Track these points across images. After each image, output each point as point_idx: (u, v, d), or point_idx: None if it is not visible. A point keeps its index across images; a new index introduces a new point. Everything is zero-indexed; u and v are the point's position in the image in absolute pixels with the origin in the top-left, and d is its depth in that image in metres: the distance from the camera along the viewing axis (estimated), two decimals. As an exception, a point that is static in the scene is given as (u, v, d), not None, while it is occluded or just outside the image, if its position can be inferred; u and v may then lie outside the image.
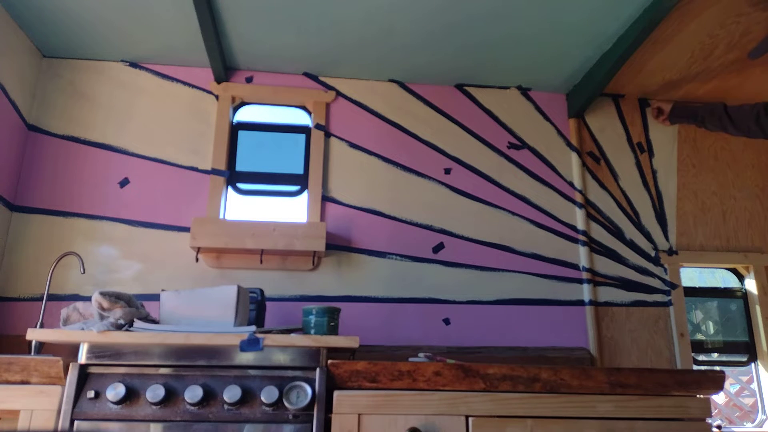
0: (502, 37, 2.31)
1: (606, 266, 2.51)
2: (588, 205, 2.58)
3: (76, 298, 2.21)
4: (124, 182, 2.38)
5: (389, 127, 2.58)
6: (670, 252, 2.54)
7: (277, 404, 1.51)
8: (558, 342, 2.38)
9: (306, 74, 2.60)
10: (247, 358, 1.59)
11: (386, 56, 2.45)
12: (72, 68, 2.48)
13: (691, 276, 2.63)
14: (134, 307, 1.68)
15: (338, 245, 2.40)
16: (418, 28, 2.26)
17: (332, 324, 1.76)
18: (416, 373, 1.57)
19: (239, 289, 1.70)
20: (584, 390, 1.60)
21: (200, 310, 1.68)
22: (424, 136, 2.58)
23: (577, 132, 2.65)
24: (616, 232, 2.56)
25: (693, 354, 2.45)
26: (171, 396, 1.51)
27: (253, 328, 1.60)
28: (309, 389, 1.51)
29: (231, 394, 1.50)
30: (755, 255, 2.57)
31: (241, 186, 2.48)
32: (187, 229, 2.34)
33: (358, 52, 2.42)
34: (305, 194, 2.48)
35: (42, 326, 2.01)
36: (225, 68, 2.50)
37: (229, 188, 2.48)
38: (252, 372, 1.57)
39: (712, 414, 2.17)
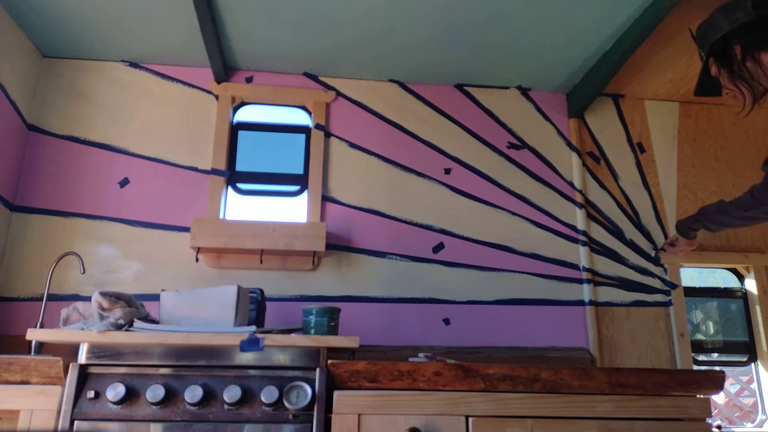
0: (502, 37, 2.31)
1: (606, 266, 2.51)
2: (588, 205, 2.58)
3: (76, 298, 2.21)
4: (124, 182, 2.37)
5: (389, 127, 2.57)
6: (670, 252, 2.54)
7: (277, 404, 1.51)
8: (558, 342, 2.38)
9: (306, 74, 2.60)
10: (247, 358, 1.58)
11: (386, 56, 2.45)
12: (72, 68, 2.48)
13: (691, 276, 2.63)
14: (134, 307, 1.68)
15: (338, 245, 2.39)
16: (418, 28, 2.26)
17: (332, 324, 1.76)
18: (416, 373, 1.57)
19: (239, 289, 1.70)
20: (584, 390, 1.60)
21: (200, 310, 1.68)
22: (424, 136, 2.58)
23: (577, 132, 2.65)
24: (616, 232, 2.56)
25: (693, 354, 2.45)
26: (171, 396, 1.51)
27: (253, 328, 1.60)
28: (309, 389, 1.51)
29: (231, 394, 1.49)
30: (755, 255, 2.57)
31: (241, 186, 2.48)
32: (187, 229, 2.34)
33: (358, 52, 2.42)
34: (305, 194, 2.48)
35: (42, 326, 2.01)
36: (225, 68, 2.50)
37: (229, 188, 2.48)
38: (252, 372, 1.57)
39: (712, 414, 2.17)
